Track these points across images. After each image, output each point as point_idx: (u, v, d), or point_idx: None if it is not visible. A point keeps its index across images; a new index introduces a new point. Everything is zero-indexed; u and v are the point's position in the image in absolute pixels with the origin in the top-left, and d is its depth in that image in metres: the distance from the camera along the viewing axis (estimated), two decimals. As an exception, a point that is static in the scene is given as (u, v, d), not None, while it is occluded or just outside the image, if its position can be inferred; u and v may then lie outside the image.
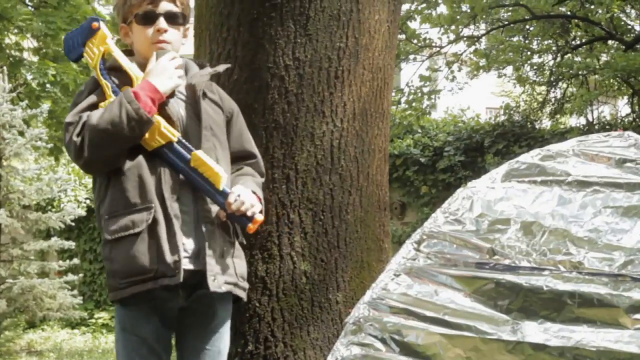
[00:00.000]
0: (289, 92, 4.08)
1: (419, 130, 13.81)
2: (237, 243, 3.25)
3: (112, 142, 3.08)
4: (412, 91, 14.27)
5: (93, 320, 13.13)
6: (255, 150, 3.48)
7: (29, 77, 11.97)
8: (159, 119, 3.12)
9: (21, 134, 10.36)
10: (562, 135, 11.70)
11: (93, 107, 3.15)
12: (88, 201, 14.43)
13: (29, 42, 13.10)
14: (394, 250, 4.11)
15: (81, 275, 11.23)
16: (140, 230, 3.06)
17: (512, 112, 14.08)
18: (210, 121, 3.24)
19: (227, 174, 3.21)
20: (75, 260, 10.81)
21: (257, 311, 4.00)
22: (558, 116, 15.10)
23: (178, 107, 3.23)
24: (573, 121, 15.87)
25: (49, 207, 13.95)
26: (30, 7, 12.24)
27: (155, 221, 3.06)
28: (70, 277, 10.55)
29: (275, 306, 4.01)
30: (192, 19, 4.35)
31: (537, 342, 3.15)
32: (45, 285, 10.08)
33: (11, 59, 12.51)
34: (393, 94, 7.51)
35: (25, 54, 13.16)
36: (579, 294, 3.20)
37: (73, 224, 11.47)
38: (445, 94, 14.74)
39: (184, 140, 3.13)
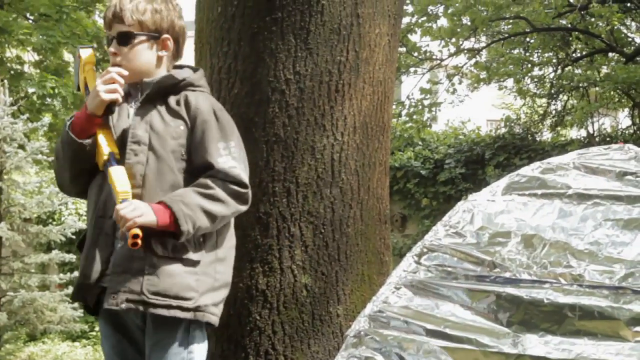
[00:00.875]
0: (289, 105, 4.09)
1: (420, 143, 13.82)
2: (154, 259, 3.09)
3: (60, 165, 3.31)
4: (413, 104, 14.31)
5: (94, 333, 13.07)
6: (215, 159, 3.17)
7: (30, 90, 12.00)
8: (99, 138, 3.19)
9: (22, 147, 10.36)
10: (562, 147, 11.71)
11: None
12: (89, 214, 14.41)
13: (30, 55, 13.14)
14: (394, 262, 4.11)
15: (82, 288, 11.20)
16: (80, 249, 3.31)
17: (512, 124, 14.12)
18: (149, 134, 3.18)
19: (162, 189, 3.13)
20: (76, 273, 10.76)
21: (257, 324, 4.00)
22: (559, 128, 15.13)
23: (127, 122, 3.25)
24: (574, 133, 15.89)
25: (50, 220, 13.94)
26: (31, 21, 12.27)
27: (83, 240, 3.28)
28: (71, 289, 10.54)
29: (275, 319, 4.01)
30: (192, 32, 4.37)
31: (538, 355, 3.14)
32: (46, 298, 10.06)
33: (12, 72, 12.54)
34: (394, 106, 7.51)
35: (26, 68, 13.20)
36: (579, 306, 3.20)
37: (74, 237, 11.45)
38: (445, 106, 14.77)
39: (112, 158, 3.14)
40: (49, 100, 11.67)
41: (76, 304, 10.55)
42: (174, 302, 3.08)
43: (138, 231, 2.98)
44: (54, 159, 3.35)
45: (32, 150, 10.22)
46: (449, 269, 3.47)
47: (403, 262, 3.55)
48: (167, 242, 3.09)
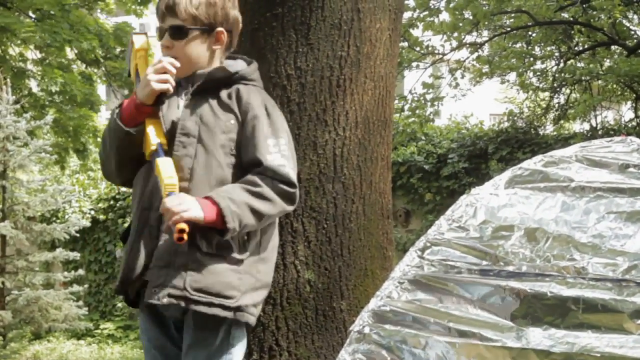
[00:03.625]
0: (291, 101, 4.09)
1: (423, 138, 13.82)
2: (198, 254, 3.03)
3: (107, 153, 3.26)
4: (416, 98, 14.29)
5: (99, 331, 13.13)
6: (265, 156, 3.07)
7: (35, 86, 12.02)
8: (147, 128, 3.13)
9: (25, 145, 10.38)
10: (565, 141, 11.69)
11: None
12: (92, 212, 14.48)
13: (33, 53, 13.15)
14: (399, 257, 4.11)
15: (86, 286, 11.29)
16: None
17: (515, 118, 14.09)
18: (199, 127, 3.12)
19: (209, 184, 3.06)
20: (80, 271, 10.81)
21: (261, 320, 3.99)
22: (562, 122, 15.12)
23: (176, 114, 3.18)
24: (577, 127, 15.88)
25: (54, 219, 13.99)
26: (33, 19, 12.28)
27: (128, 231, 3.22)
28: (76, 288, 10.58)
29: (279, 315, 4.01)
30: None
31: (541, 348, 3.14)
32: (51, 297, 10.10)
33: (15, 70, 12.55)
34: (396, 101, 7.50)
35: (29, 65, 13.21)
36: (583, 299, 3.19)
37: (78, 235, 11.49)
38: (448, 101, 14.75)
39: (160, 148, 3.07)
40: (54, 94, 11.62)
41: (80, 302, 10.62)
42: (216, 300, 3.01)
43: (184, 226, 2.91)
44: (101, 146, 3.31)
45: (36, 148, 10.25)
46: (452, 263, 3.46)
47: (406, 257, 3.55)
48: (212, 238, 3.02)
